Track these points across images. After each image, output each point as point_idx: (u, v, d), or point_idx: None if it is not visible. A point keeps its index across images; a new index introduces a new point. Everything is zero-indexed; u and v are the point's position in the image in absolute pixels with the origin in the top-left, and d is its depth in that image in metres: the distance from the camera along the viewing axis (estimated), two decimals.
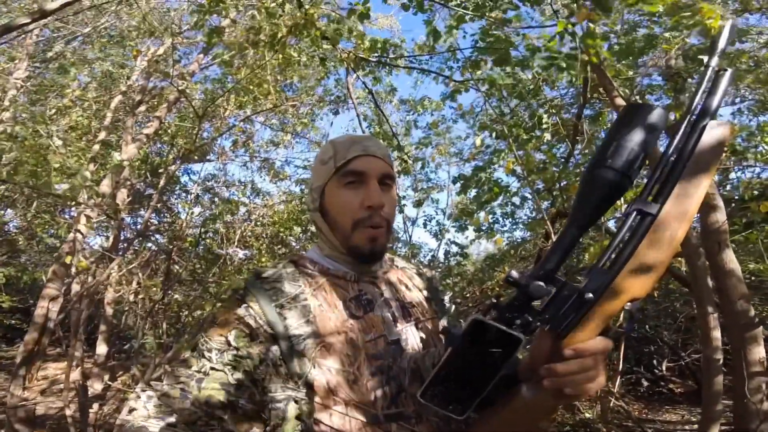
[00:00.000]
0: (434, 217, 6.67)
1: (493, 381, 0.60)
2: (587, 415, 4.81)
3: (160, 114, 4.64)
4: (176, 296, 6.28)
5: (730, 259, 2.42)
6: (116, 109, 5.14)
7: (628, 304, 0.59)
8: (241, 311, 0.75)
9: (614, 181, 0.57)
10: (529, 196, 4.09)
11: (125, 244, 6.10)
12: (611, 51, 2.76)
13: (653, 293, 5.36)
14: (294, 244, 7.20)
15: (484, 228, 4.74)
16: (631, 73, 2.63)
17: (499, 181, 3.99)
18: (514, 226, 6.00)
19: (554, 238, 3.73)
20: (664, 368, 5.75)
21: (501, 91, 3.49)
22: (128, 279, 5.26)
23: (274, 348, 0.73)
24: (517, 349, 0.57)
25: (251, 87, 4.99)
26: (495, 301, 0.59)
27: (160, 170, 5.97)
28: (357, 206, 0.80)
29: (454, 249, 6.24)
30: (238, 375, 0.71)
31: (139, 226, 6.28)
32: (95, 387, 3.99)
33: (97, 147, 5.11)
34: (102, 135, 5.20)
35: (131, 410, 0.68)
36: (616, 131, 0.59)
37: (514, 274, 0.58)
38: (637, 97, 3.09)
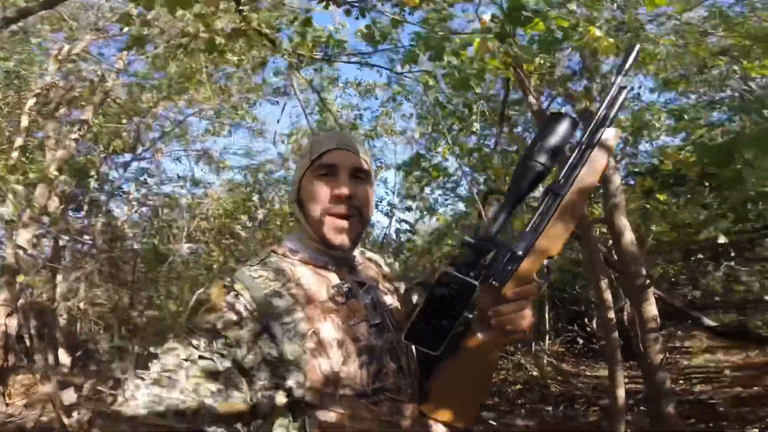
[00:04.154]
0: (384, 198, 6.87)
1: (458, 320, 0.74)
2: (534, 373, 5.33)
3: (86, 117, 4.38)
4: (125, 299, 6.12)
5: (623, 224, 2.74)
6: (31, 111, 4.78)
7: (546, 260, 0.77)
8: (230, 299, 0.77)
9: (538, 170, 0.77)
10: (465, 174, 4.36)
11: (63, 252, 5.79)
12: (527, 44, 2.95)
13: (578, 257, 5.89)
14: (243, 233, 7.14)
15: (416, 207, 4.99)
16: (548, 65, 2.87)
17: (439, 164, 4.22)
18: (457, 200, 6.32)
19: (485, 214, 4.07)
20: (595, 325, 6.32)
21: (438, 83, 3.61)
22: (74, 288, 5.04)
23: (264, 336, 0.75)
24: (473, 293, 0.73)
25: (183, 81, 4.80)
26: (453, 258, 0.79)
27: (92, 173, 5.67)
28: (326, 196, 0.84)
29: (404, 226, 6.51)
30: (227, 363, 0.72)
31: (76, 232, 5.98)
32: (67, 396, 3.91)
33: (15, 154, 4.77)
34: (19, 141, 4.84)
35: (122, 402, 0.69)
36: (542, 133, 0.80)
37: (467, 238, 0.76)
38: (557, 86, 3.37)
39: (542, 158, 0.77)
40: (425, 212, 6.08)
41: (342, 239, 0.85)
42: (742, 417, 3.51)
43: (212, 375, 0.71)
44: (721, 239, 2.85)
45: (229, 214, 7.10)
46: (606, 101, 0.79)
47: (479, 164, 3.65)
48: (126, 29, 2.44)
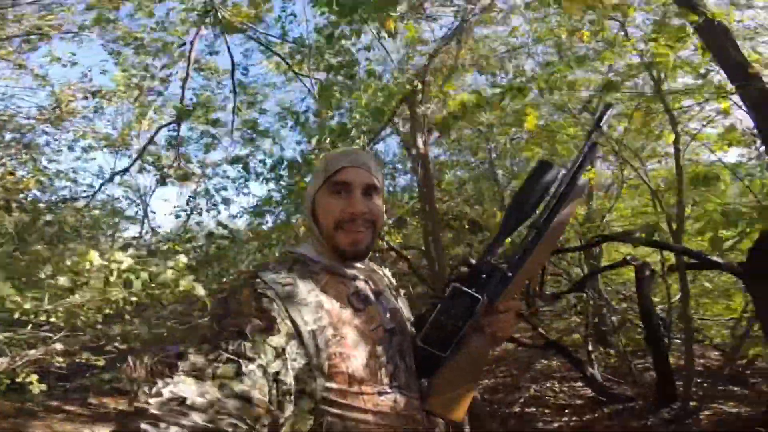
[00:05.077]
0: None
1: (464, 328, 0.87)
2: None
3: None
4: None
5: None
6: None
7: (527, 281, 0.91)
8: (265, 304, 0.78)
9: (526, 211, 0.92)
10: None
11: None
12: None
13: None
14: None
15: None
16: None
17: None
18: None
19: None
20: None
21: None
22: None
23: (292, 342, 0.77)
24: (477, 305, 0.86)
25: None
26: (457, 277, 0.91)
27: None
28: (339, 211, 0.89)
29: (222, 231, 5.60)
30: (252, 366, 0.72)
31: None
32: None
33: None
34: None
35: (145, 397, 0.65)
36: (531, 179, 0.93)
37: (470, 260, 0.90)
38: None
39: (529, 202, 0.92)
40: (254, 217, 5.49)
41: (355, 250, 0.91)
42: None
43: (238, 377, 0.70)
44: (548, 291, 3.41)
45: None
46: (581, 154, 0.95)
47: None
48: None
